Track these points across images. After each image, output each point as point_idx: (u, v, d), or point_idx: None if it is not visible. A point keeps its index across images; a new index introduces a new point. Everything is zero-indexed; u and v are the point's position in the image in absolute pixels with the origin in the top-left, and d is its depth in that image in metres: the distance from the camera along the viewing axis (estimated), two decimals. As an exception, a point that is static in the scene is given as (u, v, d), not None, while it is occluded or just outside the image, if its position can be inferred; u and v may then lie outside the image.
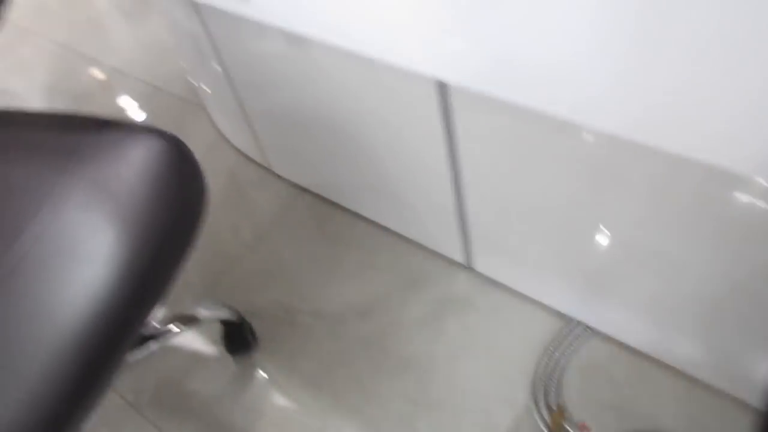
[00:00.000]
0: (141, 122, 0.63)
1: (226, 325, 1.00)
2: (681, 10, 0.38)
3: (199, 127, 1.37)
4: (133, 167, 0.58)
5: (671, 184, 0.59)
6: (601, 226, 0.72)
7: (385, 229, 1.09)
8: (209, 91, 1.21)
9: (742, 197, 0.55)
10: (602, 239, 0.73)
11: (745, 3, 0.35)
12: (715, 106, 0.42)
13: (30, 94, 1.62)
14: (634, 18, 0.40)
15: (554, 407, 0.87)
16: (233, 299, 1.07)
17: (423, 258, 1.05)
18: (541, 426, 0.86)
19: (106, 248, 0.52)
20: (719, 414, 0.82)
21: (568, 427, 0.85)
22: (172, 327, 0.86)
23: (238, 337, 1.00)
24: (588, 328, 0.92)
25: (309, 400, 0.94)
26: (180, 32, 1.08)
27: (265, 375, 0.99)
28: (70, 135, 0.61)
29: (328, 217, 1.14)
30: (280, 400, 0.96)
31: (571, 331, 0.92)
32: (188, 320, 0.94)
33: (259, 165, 1.25)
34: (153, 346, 0.82)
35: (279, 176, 1.22)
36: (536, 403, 0.88)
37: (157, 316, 0.86)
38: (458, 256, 1.00)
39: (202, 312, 0.99)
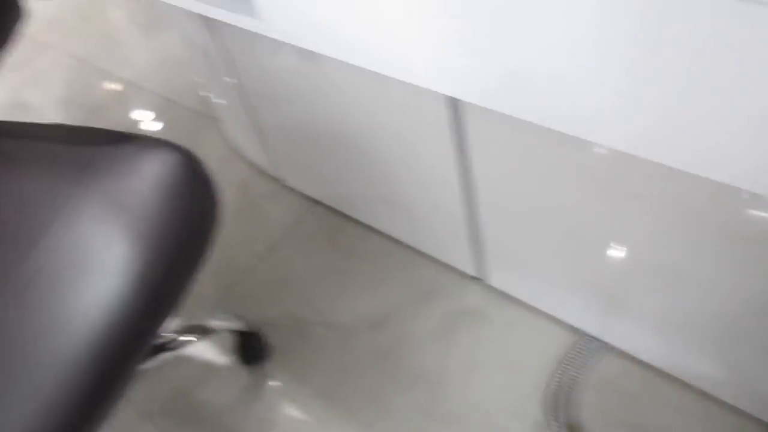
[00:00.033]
0: (155, 136, 0.63)
1: (239, 335, 1.00)
2: (685, 25, 0.38)
3: (211, 140, 1.38)
4: (147, 180, 0.58)
5: (685, 199, 0.58)
6: (615, 240, 0.71)
7: (397, 242, 1.09)
8: (222, 104, 1.22)
9: (757, 213, 0.54)
10: (615, 253, 0.73)
11: (747, 22, 0.35)
12: (722, 122, 0.42)
13: (46, 107, 1.65)
14: (637, 36, 0.40)
15: (567, 423, 0.86)
16: (245, 310, 1.07)
17: (435, 271, 1.05)
18: (554, 441, 0.85)
19: (120, 260, 0.53)
20: None
21: (581, 443, 0.84)
22: (185, 337, 0.86)
23: (250, 348, 1.00)
24: (601, 342, 0.91)
25: (320, 412, 0.94)
26: (193, 46, 1.10)
27: (276, 386, 0.99)
28: (85, 148, 0.61)
29: (339, 230, 1.15)
30: (291, 411, 0.96)
31: (585, 345, 0.91)
32: (201, 331, 0.94)
33: (271, 177, 1.26)
34: (165, 356, 0.82)
35: (291, 189, 1.23)
36: (548, 418, 0.87)
37: (169, 327, 0.87)
38: (470, 269, 1.00)
39: (215, 323, 0.99)
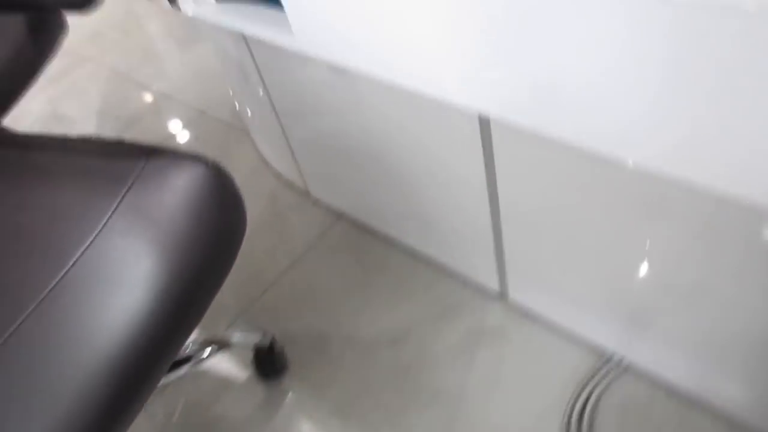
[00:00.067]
0: (186, 149, 0.65)
1: (258, 349, 1.01)
2: (716, 40, 0.37)
3: (242, 151, 1.40)
4: (176, 195, 0.60)
5: (711, 217, 0.58)
6: (639, 258, 0.71)
7: (421, 258, 1.09)
8: (253, 116, 1.24)
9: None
10: (640, 271, 0.72)
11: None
12: (751, 139, 0.41)
13: (83, 118, 1.69)
14: (668, 51, 0.40)
15: (587, 447, 0.85)
16: (266, 323, 1.08)
17: (458, 287, 1.05)
18: (573, 465, 0.84)
19: (146, 275, 0.54)
20: (761, 462, 0.79)
21: (601, 468, 0.83)
22: (205, 350, 0.87)
23: (269, 362, 1.01)
24: (625, 364, 0.90)
25: (337, 429, 0.94)
26: (227, 60, 1.12)
27: (294, 401, 0.99)
28: (118, 162, 0.63)
29: (364, 243, 1.15)
30: (308, 427, 0.96)
31: (607, 366, 0.90)
32: (221, 344, 0.95)
33: (299, 189, 1.27)
34: (185, 368, 0.83)
35: (317, 201, 1.24)
36: (568, 441, 0.86)
37: (190, 339, 0.88)
38: (494, 285, 1.00)
39: (235, 336, 1.00)
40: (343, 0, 0.58)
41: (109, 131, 1.61)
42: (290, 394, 1.00)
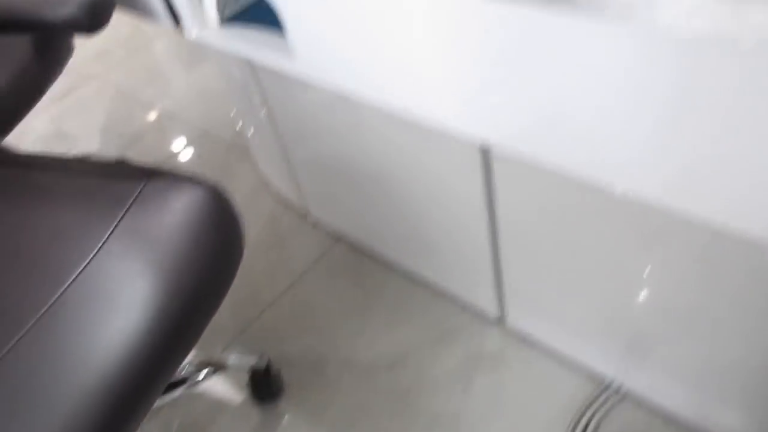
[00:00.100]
0: (185, 171, 0.65)
1: (254, 371, 1.00)
2: (715, 78, 0.38)
3: (243, 171, 1.41)
4: (174, 217, 0.60)
5: (710, 246, 0.58)
6: (638, 286, 0.70)
7: (419, 281, 1.09)
8: (255, 136, 1.25)
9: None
10: (642, 300, 0.72)
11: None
12: (747, 174, 0.41)
13: (86, 136, 1.70)
14: (667, 88, 0.41)
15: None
16: (263, 344, 1.08)
17: (456, 311, 1.04)
18: (571, 495, 0.83)
19: (143, 296, 0.54)
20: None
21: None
22: (201, 373, 0.87)
23: (265, 385, 1.00)
24: (623, 391, 0.89)
25: (334, 452, 0.94)
26: (231, 80, 1.13)
27: (290, 425, 0.98)
28: (117, 183, 0.64)
29: (363, 266, 1.15)
30: (304, 451, 0.95)
31: (606, 393, 0.89)
32: (217, 366, 0.95)
33: (299, 211, 1.28)
34: (180, 390, 0.83)
35: (317, 223, 1.24)
36: (566, 469, 0.85)
37: (186, 361, 0.88)
38: (492, 310, 0.99)
39: (232, 359, 1.00)
40: (344, 29, 0.59)
41: (111, 150, 1.62)
42: (286, 417, 0.99)
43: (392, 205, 0.96)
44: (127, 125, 1.69)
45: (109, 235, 0.59)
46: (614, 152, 0.48)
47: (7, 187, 0.68)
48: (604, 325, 0.81)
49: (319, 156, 1.04)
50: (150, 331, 0.53)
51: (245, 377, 1.02)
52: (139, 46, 2.00)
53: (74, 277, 0.56)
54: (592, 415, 0.88)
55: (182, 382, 0.84)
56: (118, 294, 0.55)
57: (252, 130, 1.24)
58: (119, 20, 0.83)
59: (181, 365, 0.83)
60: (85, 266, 0.57)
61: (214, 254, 0.60)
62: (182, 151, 1.57)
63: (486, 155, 0.69)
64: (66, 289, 0.56)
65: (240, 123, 1.36)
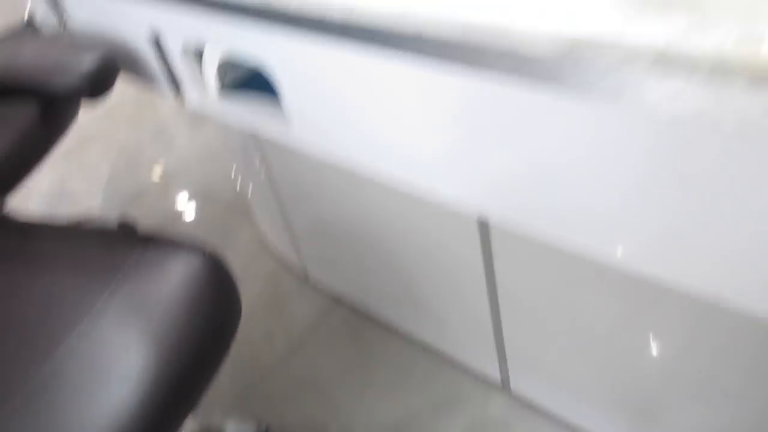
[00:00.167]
0: (183, 237, 0.65)
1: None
2: (697, 160, 0.38)
3: (242, 233, 1.41)
4: (171, 285, 0.60)
5: (720, 314, 0.57)
6: (642, 351, 0.69)
7: (420, 346, 1.08)
8: (255, 198, 1.26)
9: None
10: (647, 366, 0.71)
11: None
12: (727, 245, 0.41)
13: (89, 196, 1.72)
14: (651, 168, 0.41)
15: None
16: (263, 410, 1.05)
17: (457, 377, 1.02)
18: None
19: (137, 366, 0.53)
20: None
21: None
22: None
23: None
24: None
25: None
26: (232, 143, 1.15)
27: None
28: (115, 252, 0.64)
29: (362, 331, 1.14)
30: None
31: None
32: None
33: (299, 273, 1.27)
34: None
35: (316, 286, 1.24)
36: None
37: (185, 430, 0.86)
38: (495, 374, 0.98)
39: (230, 427, 0.98)
40: (339, 105, 0.60)
41: (114, 207, 1.63)
42: (283, 488, 0.97)
43: (392, 270, 0.96)
44: (131, 183, 1.71)
45: (103, 303, 0.58)
46: (606, 228, 0.48)
47: (2, 255, 0.69)
48: (610, 391, 0.79)
49: (318, 219, 1.04)
50: (144, 403, 0.52)
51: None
52: (145, 105, 2.05)
53: (65, 346, 0.56)
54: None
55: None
56: (111, 364, 0.54)
57: (252, 191, 1.25)
58: (126, 80, 0.84)
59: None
60: (78, 335, 0.56)
61: (210, 323, 0.60)
62: (184, 209, 1.58)
63: (484, 226, 0.70)
64: (57, 359, 0.55)
65: (241, 184, 1.38)
